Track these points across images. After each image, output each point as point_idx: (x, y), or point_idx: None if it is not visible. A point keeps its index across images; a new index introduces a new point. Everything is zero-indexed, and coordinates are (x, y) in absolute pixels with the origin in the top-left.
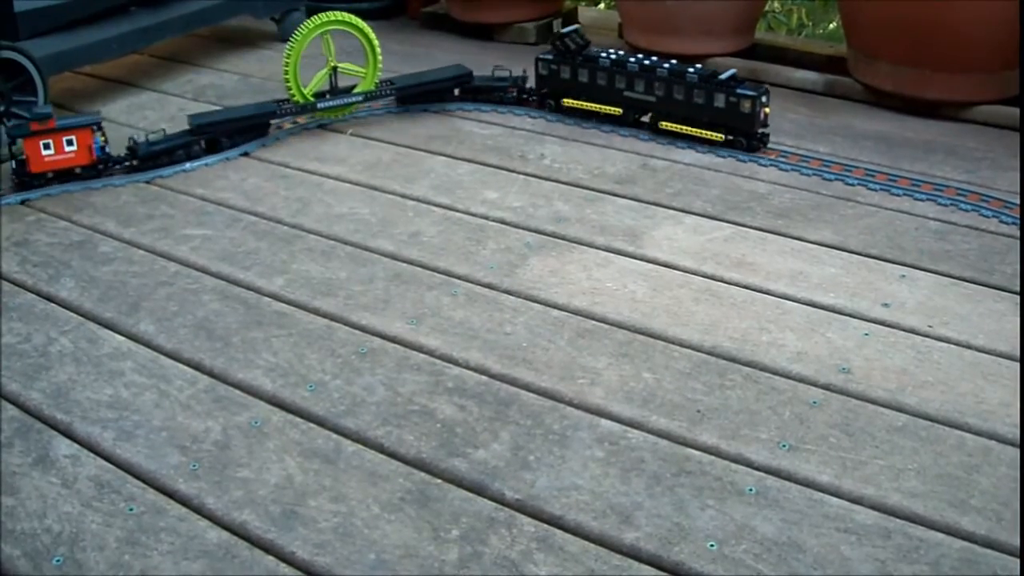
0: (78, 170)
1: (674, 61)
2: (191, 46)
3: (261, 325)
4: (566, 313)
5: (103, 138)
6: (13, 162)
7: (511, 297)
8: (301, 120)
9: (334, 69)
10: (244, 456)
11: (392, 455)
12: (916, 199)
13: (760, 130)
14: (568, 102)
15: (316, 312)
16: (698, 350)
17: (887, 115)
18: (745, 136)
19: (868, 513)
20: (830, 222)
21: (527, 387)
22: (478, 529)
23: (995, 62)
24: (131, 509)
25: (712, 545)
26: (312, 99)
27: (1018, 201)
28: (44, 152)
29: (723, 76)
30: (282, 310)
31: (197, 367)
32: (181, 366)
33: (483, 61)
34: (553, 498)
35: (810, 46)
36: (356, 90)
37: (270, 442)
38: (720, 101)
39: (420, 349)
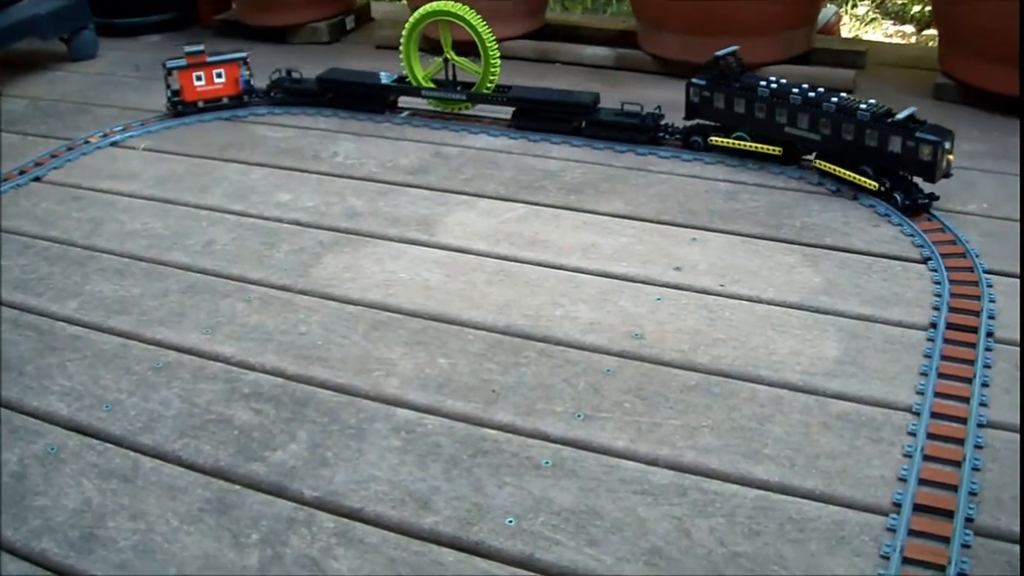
0: (225, 100)
1: (843, 94)
2: None
3: (55, 350)
4: (360, 307)
5: (248, 72)
6: (169, 91)
7: (305, 297)
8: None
9: (445, 60)
10: (41, 484)
11: (190, 467)
12: (706, 163)
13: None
14: (716, 141)
15: (111, 331)
16: (492, 331)
17: (675, 83)
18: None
19: (664, 473)
20: (621, 193)
21: (323, 385)
22: (278, 531)
23: (777, 24)
24: None
25: (511, 521)
26: (428, 84)
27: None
28: (196, 83)
29: (900, 116)
30: (76, 333)
31: None
32: None
33: (276, 63)
34: (352, 492)
35: (602, 23)
36: (472, 90)
37: (67, 467)
38: (896, 145)
39: (215, 358)
